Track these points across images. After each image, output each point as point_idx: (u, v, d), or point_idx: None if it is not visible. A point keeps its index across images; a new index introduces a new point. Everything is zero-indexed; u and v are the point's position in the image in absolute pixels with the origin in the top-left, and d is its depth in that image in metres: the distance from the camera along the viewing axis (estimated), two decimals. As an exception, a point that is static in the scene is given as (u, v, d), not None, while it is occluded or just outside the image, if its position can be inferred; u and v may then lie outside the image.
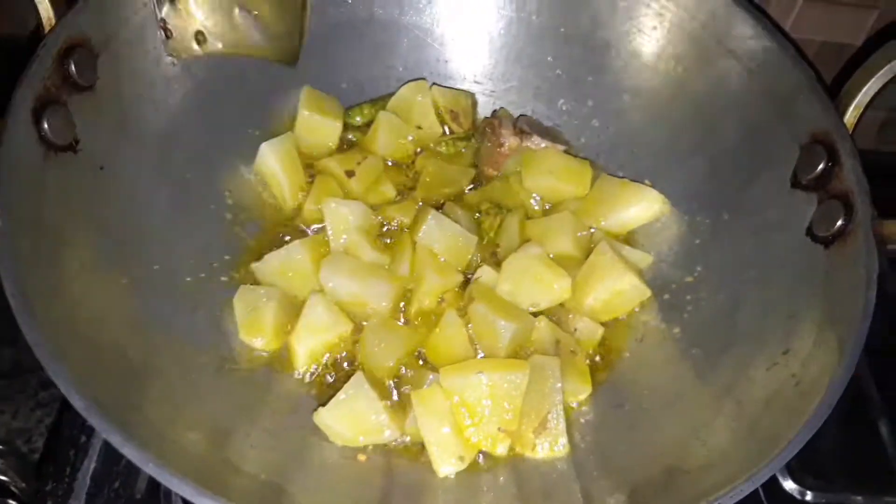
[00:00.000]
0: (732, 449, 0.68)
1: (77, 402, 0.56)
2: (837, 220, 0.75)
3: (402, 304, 0.88)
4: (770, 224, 0.83)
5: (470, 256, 0.90)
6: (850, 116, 0.80)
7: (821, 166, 0.78)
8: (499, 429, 0.77)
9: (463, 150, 1.00)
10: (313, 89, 0.96)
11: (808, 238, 0.78)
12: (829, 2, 1.07)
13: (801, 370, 0.69)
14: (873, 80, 0.79)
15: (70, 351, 0.60)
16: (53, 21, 0.75)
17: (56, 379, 0.56)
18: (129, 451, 0.55)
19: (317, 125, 0.95)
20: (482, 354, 0.83)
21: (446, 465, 0.77)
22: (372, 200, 0.93)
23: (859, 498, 0.88)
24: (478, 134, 1.02)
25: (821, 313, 0.72)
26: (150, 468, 0.55)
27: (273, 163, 0.89)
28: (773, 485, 0.88)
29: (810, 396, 0.65)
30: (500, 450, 0.77)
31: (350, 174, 0.92)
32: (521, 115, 1.02)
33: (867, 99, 0.80)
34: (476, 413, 0.76)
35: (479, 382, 0.76)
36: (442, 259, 0.88)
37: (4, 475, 0.94)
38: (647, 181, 0.96)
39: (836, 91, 0.83)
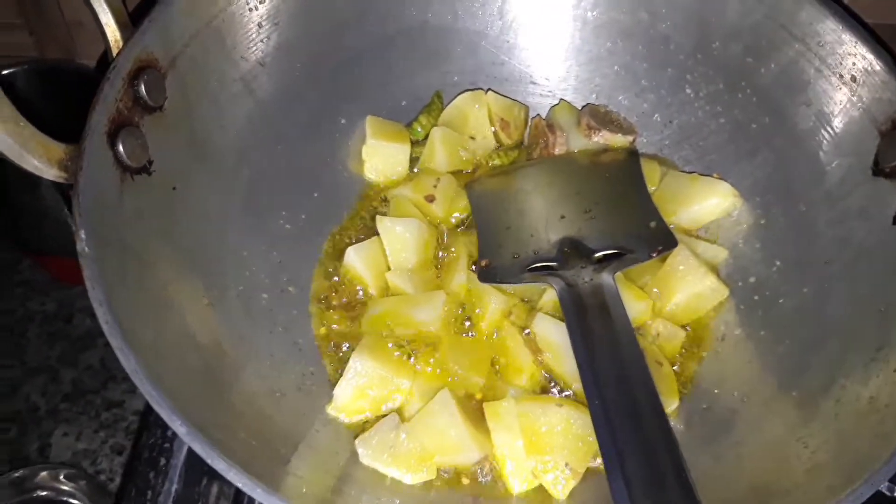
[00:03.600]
0: (841, 450, 0.65)
1: (180, 429, 0.55)
2: (926, 208, 0.72)
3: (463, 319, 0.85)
4: (851, 214, 0.81)
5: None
6: (933, 100, 0.78)
7: (904, 153, 0.76)
8: (566, 464, 0.73)
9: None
10: (375, 117, 0.96)
11: (894, 227, 0.75)
12: (880, -17, 1.05)
13: (903, 363, 0.67)
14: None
15: (164, 375, 0.59)
16: (121, 43, 0.75)
17: (156, 405, 0.56)
18: (234, 477, 0.55)
19: (386, 152, 0.94)
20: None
21: (520, 480, 0.74)
22: (450, 223, 0.93)
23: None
24: (528, 140, 1.01)
25: (917, 304, 0.70)
26: (258, 493, 0.55)
27: (360, 266, 0.87)
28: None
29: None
30: (560, 492, 0.73)
31: (430, 199, 0.91)
32: (585, 106, 1.01)
33: (947, 84, 0.77)
34: (545, 443, 0.74)
35: (557, 414, 0.74)
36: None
37: (75, 497, 0.95)
38: (715, 175, 0.94)
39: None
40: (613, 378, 0.69)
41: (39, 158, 0.64)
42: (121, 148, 0.69)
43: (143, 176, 0.73)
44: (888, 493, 0.86)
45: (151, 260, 0.70)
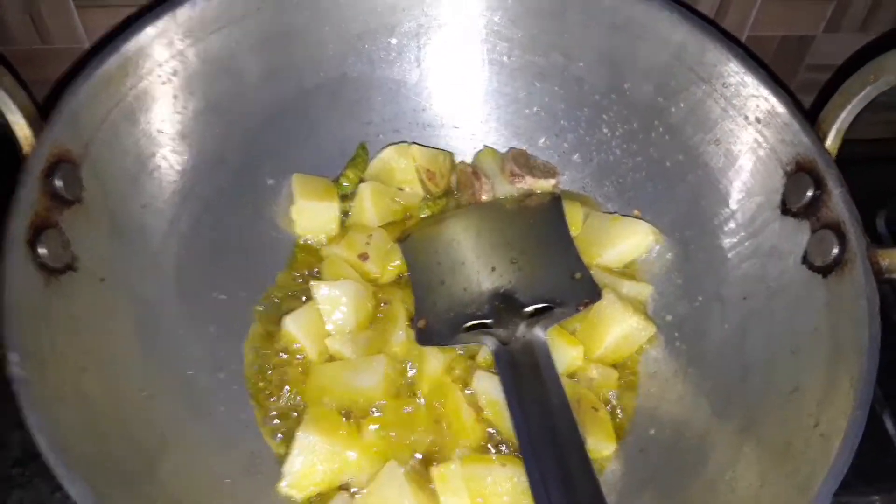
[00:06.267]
0: (762, 495, 0.69)
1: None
2: (832, 250, 0.75)
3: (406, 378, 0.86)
4: (764, 251, 0.84)
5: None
6: (832, 142, 0.81)
7: (809, 194, 0.78)
8: None
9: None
10: (302, 175, 0.95)
11: (804, 267, 0.78)
12: (787, -3, 1.09)
13: (817, 410, 0.70)
14: (851, 105, 0.79)
15: (111, 494, 0.59)
16: (31, 139, 0.72)
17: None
18: None
19: (315, 211, 0.94)
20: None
21: None
22: (386, 279, 0.93)
23: (876, 498, 0.89)
24: (456, 187, 1.02)
25: (827, 349, 0.72)
26: None
27: (299, 333, 0.87)
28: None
29: (831, 440, 0.66)
30: None
31: (364, 257, 0.91)
32: (509, 150, 1.02)
33: (846, 125, 0.81)
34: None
35: (502, 473, 0.76)
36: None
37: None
38: (636, 212, 0.97)
39: (820, 105, 0.83)
40: (548, 443, 0.72)
41: (-43, 281, 0.63)
42: (42, 251, 0.68)
43: (69, 274, 0.71)
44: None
45: (86, 364, 0.69)
